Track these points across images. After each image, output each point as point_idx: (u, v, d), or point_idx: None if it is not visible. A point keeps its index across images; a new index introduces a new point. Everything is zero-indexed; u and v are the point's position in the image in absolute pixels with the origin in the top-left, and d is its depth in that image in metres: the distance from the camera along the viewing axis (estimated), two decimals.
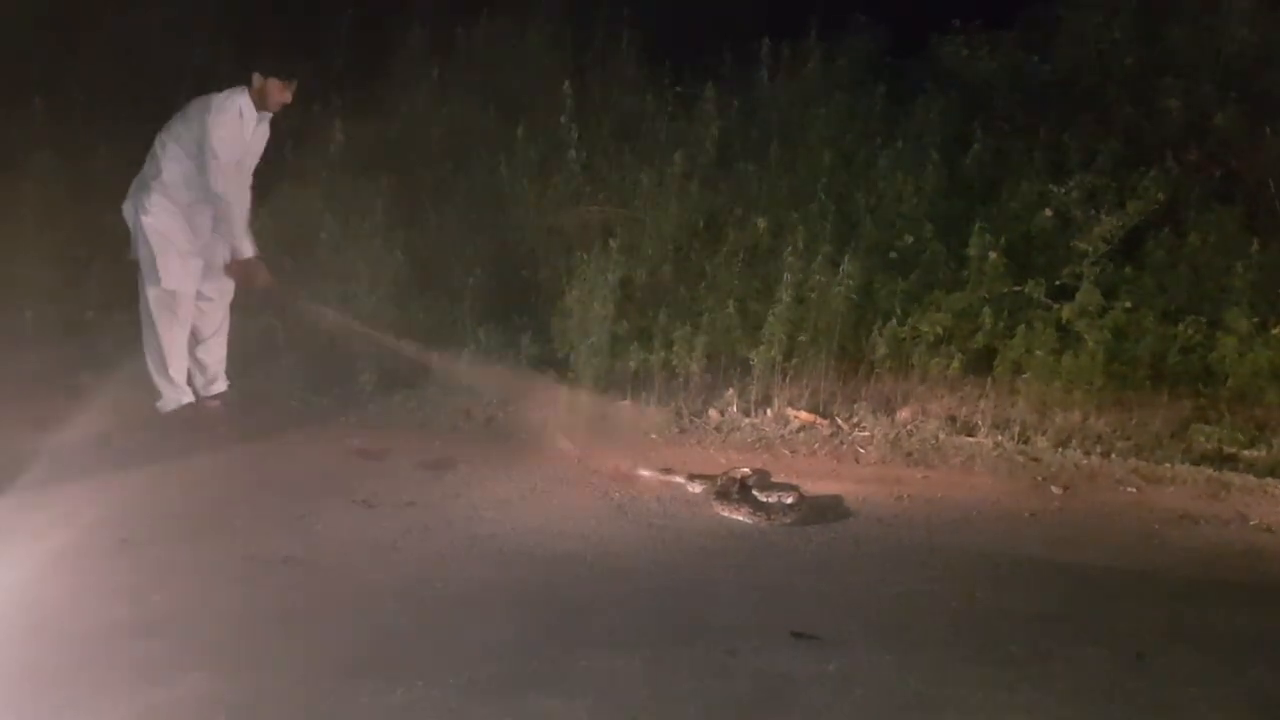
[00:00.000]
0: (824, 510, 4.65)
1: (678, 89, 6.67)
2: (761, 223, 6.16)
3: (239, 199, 5.25)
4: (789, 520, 4.55)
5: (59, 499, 4.59)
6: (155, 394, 5.43)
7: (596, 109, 6.65)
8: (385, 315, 5.91)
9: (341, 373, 5.79)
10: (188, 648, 3.44)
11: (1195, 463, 5.19)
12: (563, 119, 6.12)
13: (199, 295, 5.42)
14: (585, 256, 5.77)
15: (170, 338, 5.35)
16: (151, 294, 5.32)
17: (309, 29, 6.95)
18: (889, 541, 4.39)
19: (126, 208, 5.34)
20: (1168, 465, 5.12)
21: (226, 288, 5.49)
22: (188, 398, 5.45)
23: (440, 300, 6.10)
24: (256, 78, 5.22)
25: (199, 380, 5.56)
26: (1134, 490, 4.94)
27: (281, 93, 5.23)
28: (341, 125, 6.52)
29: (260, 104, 5.25)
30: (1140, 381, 5.67)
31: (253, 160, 5.40)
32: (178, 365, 5.41)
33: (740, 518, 4.54)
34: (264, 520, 4.44)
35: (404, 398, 5.70)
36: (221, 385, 5.62)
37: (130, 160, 5.40)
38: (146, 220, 5.24)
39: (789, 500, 4.66)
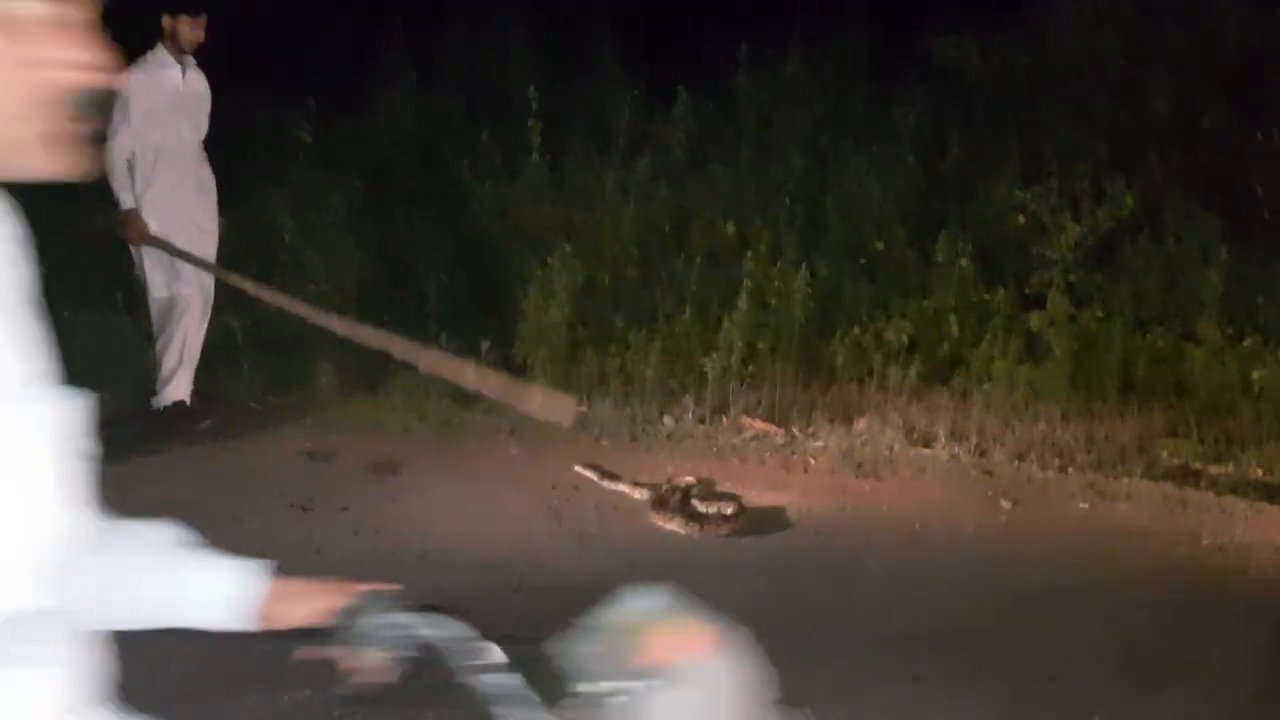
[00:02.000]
0: (763, 521, 4.58)
1: (636, 92, 6.54)
2: (730, 226, 6.09)
3: (149, 165, 5.11)
4: (725, 531, 4.48)
5: None
6: (152, 390, 5.41)
7: (567, 109, 6.59)
8: (348, 316, 5.88)
9: (301, 373, 5.78)
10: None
11: (1158, 478, 5.05)
12: (530, 120, 6.06)
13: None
14: (544, 259, 5.71)
15: (178, 335, 5.32)
16: (151, 300, 5.31)
17: (287, 31, 6.93)
18: (823, 555, 4.32)
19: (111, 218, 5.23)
20: (1125, 480, 4.99)
21: (205, 285, 5.40)
22: (179, 398, 5.41)
23: (405, 302, 6.07)
24: (166, 20, 5.10)
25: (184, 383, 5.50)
26: (1087, 506, 4.81)
27: (193, 29, 5.12)
28: (312, 124, 6.52)
29: (176, 49, 5.14)
30: (1108, 393, 5.54)
31: (194, 117, 5.29)
32: (183, 362, 5.37)
33: (674, 528, 4.48)
34: (195, 521, 4.38)
35: (361, 399, 5.69)
36: (184, 392, 5.51)
37: None
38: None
39: (728, 511, 4.58)
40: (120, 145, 5.02)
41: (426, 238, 6.26)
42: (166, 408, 5.38)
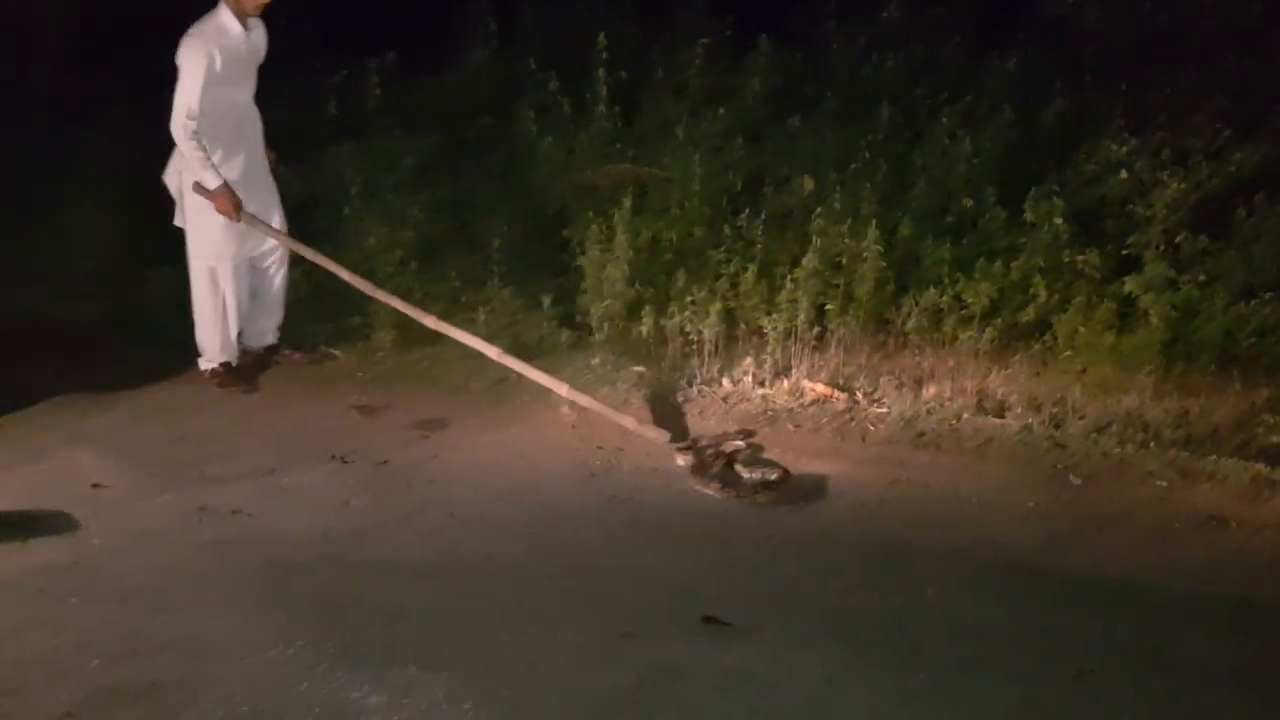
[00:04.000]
0: (808, 490, 4.35)
1: (707, 40, 6.26)
2: (808, 181, 5.82)
3: (217, 132, 5.01)
4: (763, 500, 4.28)
5: (52, 439, 4.76)
6: (197, 352, 5.43)
7: (641, 58, 6.38)
8: (410, 273, 5.86)
9: (362, 328, 5.77)
10: (98, 593, 3.50)
11: (1250, 458, 4.62)
12: (599, 71, 5.88)
13: (249, 260, 5.34)
14: (606, 216, 5.55)
15: (213, 303, 5.29)
16: (194, 263, 5.27)
17: None
18: (865, 528, 4.08)
19: (168, 175, 5.23)
20: (1212, 459, 4.57)
21: (280, 247, 5.38)
22: (226, 357, 5.46)
23: (470, 257, 6.00)
24: None
25: (250, 331, 5.55)
26: (1165, 484, 4.43)
27: None
28: (388, 80, 6.47)
29: (240, 10, 4.97)
30: (1206, 365, 5.10)
31: (252, 75, 5.17)
32: (220, 328, 5.36)
33: (713, 493, 4.30)
34: (233, 473, 4.48)
35: (420, 356, 5.64)
36: (271, 338, 5.61)
37: None
38: (173, 186, 5.20)
39: (771, 477, 4.38)
40: (186, 116, 4.91)
41: (493, 193, 6.17)
42: (212, 370, 5.42)
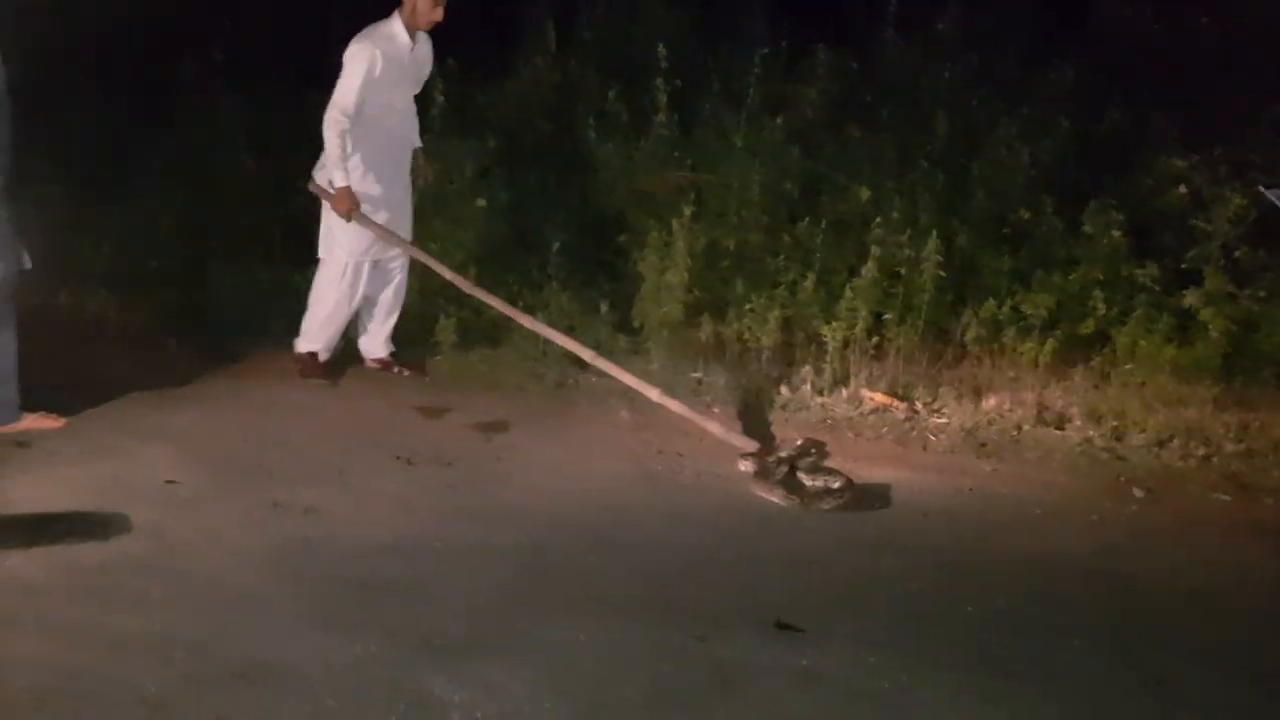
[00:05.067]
0: (870, 499, 4.39)
1: (766, 50, 6.30)
2: (864, 191, 5.85)
3: (367, 136, 5.16)
4: (827, 507, 4.31)
5: (123, 437, 4.83)
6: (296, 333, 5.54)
7: (700, 67, 6.44)
8: (471, 276, 5.91)
9: (424, 328, 5.83)
10: (175, 584, 3.55)
11: None
12: (658, 81, 5.94)
13: (375, 264, 5.43)
14: (664, 222, 5.60)
15: (333, 296, 5.40)
16: (332, 254, 5.37)
17: None
18: (928, 537, 4.10)
19: (314, 178, 5.32)
20: (1275, 473, 4.58)
21: (403, 255, 5.47)
22: (314, 347, 5.54)
23: (528, 262, 6.07)
24: None
25: (365, 341, 5.64)
26: (1227, 499, 4.44)
27: (432, 9, 5.12)
28: (451, 86, 6.53)
29: (412, 23, 5.16)
30: (1266, 379, 5.10)
31: (412, 86, 5.35)
32: (328, 321, 5.46)
33: (775, 499, 4.34)
34: (302, 470, 4.53)
35: (479, 357, 5.71)
36: (382, 351, 5.65)
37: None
38: (320, 187, 5.28)
39: (834, 485, 4.41)
40: (341, 112, 5.08)
41: (552, 199, 6.23)
42: (298, 355, 5.50)
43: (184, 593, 3.48)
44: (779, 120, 6.04)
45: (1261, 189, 3.29)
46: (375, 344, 5.65)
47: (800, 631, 3.37)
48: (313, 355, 5.51)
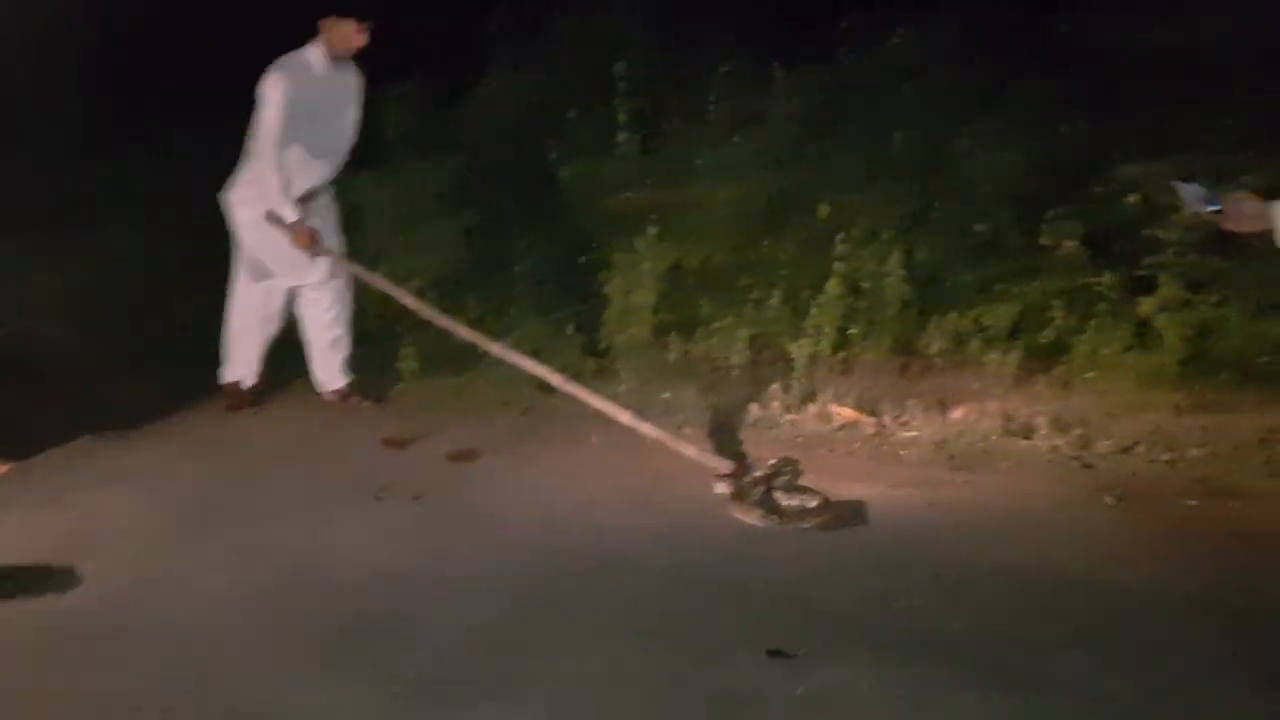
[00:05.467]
0: (848, 517, 4.38)
1: (728, 69, 6.32)
2: (824, 208, 5.87)
3: (291, 164, 5.06)
4: (806, 525, 4.30)
5: (79, 481, 4.70)
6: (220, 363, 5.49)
7: (660, 86, 6.43)
8: (433, 299, 5.85)
9: (383, 357, 5.76)
10: (149, 634, 3.46)
11: (1277, 475, 4.71)
12: (616, 99, 5.92)
13: (296, 291, 5.37)
14: (631, 241, 5.59)
15: (241, 321, 5.37)
16: (243, 278, 5.32)
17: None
18: (910, 554, 4.08)
19: (224, 195, 5.26)
20: (1241, 477, 4.65)
21: (335, 279, 5.38)
22: (237, 378, 5.46)
23: (492, 285, 6.01)
24: (324, 23, 5.04)
25: (320, 374, 5.55)
26: (1196, 503, 4.50)
27: (354, 36, 5.04)
28: (412, 109, 6.48)
29: (332, 52, 5.08)
30: (1225, 383, 5.19)
31: (332, 114, 5.24)
32: (240, 347, 5.42)
33: (753, 521, 4.32)
34: (268, 510, 4.44)
35: (444, 384, 5.64)
36: (340, 381, 5.56)
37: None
38: (233, 211, 5.22)
39: (811, 504, 4.40)
40: (270, 144, 5.02)
41: (515, 221, 6.19)
42: (223, 387, 5.46)
43: (154, 647, 3.39)
44: (736, 140, 6.04)
45: (1173, 182, 3.34)
46: (329, 375, 5.55)
47: (793, 657, 3.35)
48: (235, 385, 5.42)
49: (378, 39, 5.06)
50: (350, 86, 5.28)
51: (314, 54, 5.08)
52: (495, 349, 5.06)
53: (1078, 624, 3.55)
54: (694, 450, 4.73)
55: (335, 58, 5.11)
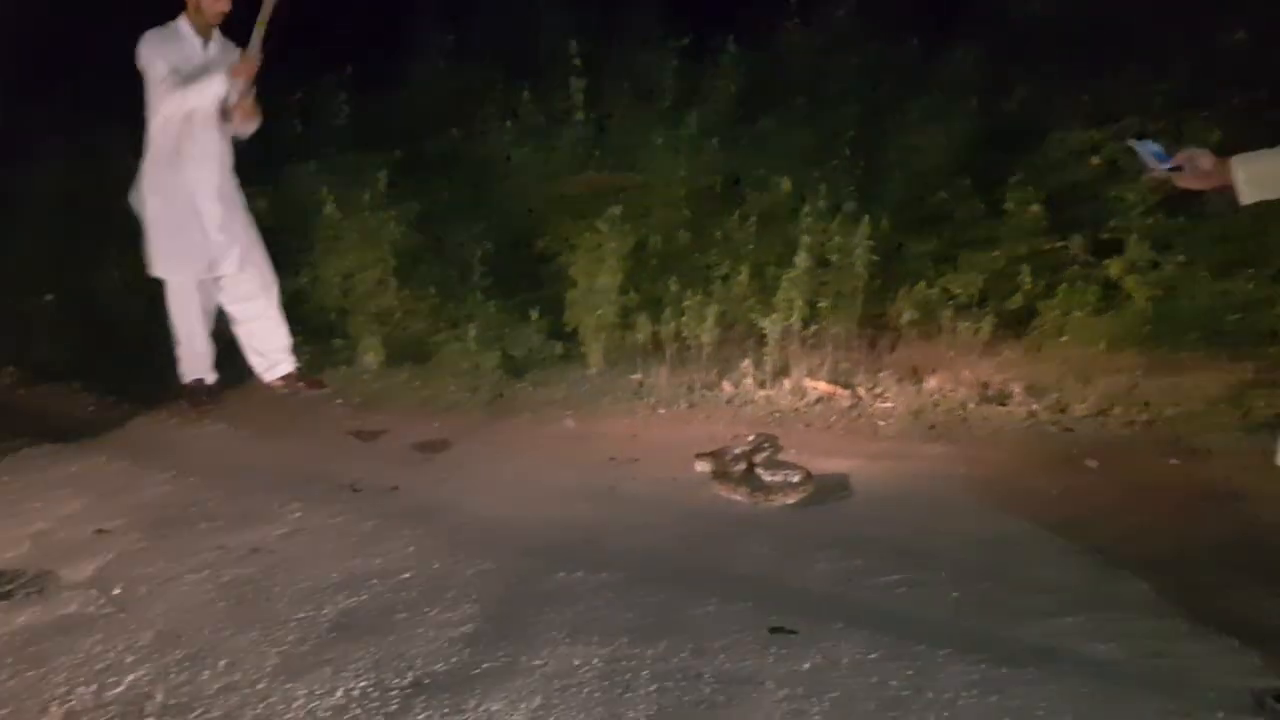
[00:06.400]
0: (832, 489, 4.34)
1: (681, 44, 6.24)
2: (785, 183, 5.81)
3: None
4: (791, 501, 4.25)
5: (44, 485, 4.54)
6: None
7: (611, 69, 6.33)
8: (390, 290, 5.73)
9: (346, 349, 5.62)
10: (130, 640, 3.33)
11: (1251, 431, 4.74)
12: (572, 80, 5.81)
13: (215, 278, 5.13)
14: (592, 223, 5.49)
15: (180, 319, 5.16)
16: (168, 285, 5.08)
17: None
18: (895, 526, 4.05)
19: (131, 195, 5.03)
20: (1216, 435, 4.68)
21: (253, 264, 5.14)
22: (197, 376, 5.27)
23: (449, 273, 5.89)
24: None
25: (259, 363, 5.32)
26: (1177, 462, 4.51)
27: (218, 2, 4.82)
28: (347, 95, 6.31)
29: (199, 20, 4.85)
30: (1194, 342, 5.22)
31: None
32: (188, 344, 5.22)
33: (738, 498, 4.26)
34: (240, 508, 4.30)
35: (409, 375, 5.51)
36: (284, 368, 5.31)
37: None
38: (136, 205, 5.01)
39: (794, 479, 4.35)
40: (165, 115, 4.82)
41: (469, 206, 6.06)
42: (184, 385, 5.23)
43: (142, 651, 3.26)
44: (693, 114, 5.95)
45: (1128, 141, 3.32)
46: (269, 362, 5.29)
47: (794, 634, 3.29)
48: (198, 383, 5.22)
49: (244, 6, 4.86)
50: (224, 59, 4.97)
51: (183, 26, 4.86)
52: None
53: (1063, 593, 3.53)
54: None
55: (205, 27, 4.89)
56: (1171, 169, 3.05)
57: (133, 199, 5.01)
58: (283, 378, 5.34)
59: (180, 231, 4.95)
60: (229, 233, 5.04)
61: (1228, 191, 3.01)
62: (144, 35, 4.80)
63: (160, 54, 4.77)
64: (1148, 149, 3.12)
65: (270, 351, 5.29)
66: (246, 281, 5.16)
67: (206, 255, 5.01)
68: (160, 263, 5.02)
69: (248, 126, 4.97)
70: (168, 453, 4.90)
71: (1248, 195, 2.97)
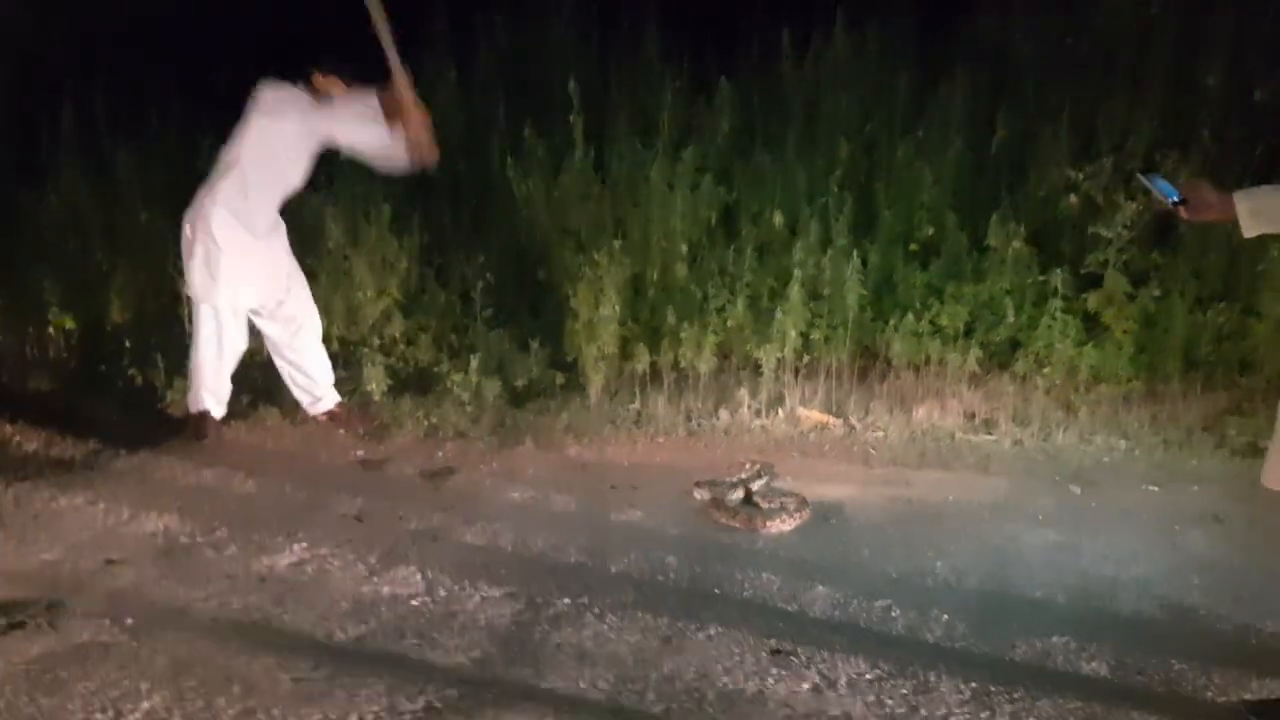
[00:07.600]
0: (828, 516, 4.49)
1: (678, 83, 6.41)
2: (777, 217, 5.98)
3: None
4: (788, 527, 4.40)
5: (46, 515, 4.61)
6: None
7: (610, 102, 6.49)
8: (395, 319, 5.86)
9: (350, 377, 5.73)
10: (145, 667, 3.42)
11: (1228, 457, 4.93)
12: (572, 116, 5.96)
13: (257, 311, 5.29)
14: (591, 256, 5.64)
15: (205, 348, 5.23)
16: (200, 310, 5.21)
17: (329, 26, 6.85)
18: (890, 551, 4.20)
19: (188, 215, 5.13)
20: (1194, 461, 4.86)
21: (296, 299, 5.34)
22: (203, 407, 5.38)
23: (452, 302, 6.02)
24: (316, 76, 5.19)
25: (304, 398, 5.49)
26: (1157, 489, 4.69)
27: (333, 86, 5.20)
28: None
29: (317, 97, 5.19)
30: (1171, 372, 5.41)
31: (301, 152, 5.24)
32: (204, 376, 5.32)
33: (737, 525, 4.40)
34: (248, 537, 4.39)
35: (413, 404, 5.63)
36: (328, 403, 5.51)
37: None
38: (197, 226, 5.08)
39: (791, 506, 4.50)
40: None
41: (472, 238, 6.20)
42: (189, 414, 5.36)
43: (157, 678, 3.34)
44: (684, 153, 6.09)
45: (1138, 175, 3.50)
46: (315, 396, 5.48)
47: (794, 656, 3.43)
48: (202, 415, 5.35)
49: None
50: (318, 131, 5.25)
51: (300, 94, 5.17)
52: None
53: (1059, 615, 3.69)
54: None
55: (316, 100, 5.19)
56: (1177, 203, 3.22)
57: (190, 219, 5.10)
58: (328, 412, 5.46)
59: (243, 258, 5.09)
60: (282, 264, 5.25)
61: (1230, 223, 3.17)
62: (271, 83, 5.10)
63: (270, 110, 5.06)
64: (1157, 183, 3.29)
65: (316, 384, 5.43)
66: (293, 314, 5.30)
67: (260, 284, 5.18)
68: (210, 287, 5.11)
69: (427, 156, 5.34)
70: (175, 482, 4.98)
71: (1251, 228, 3.13)
